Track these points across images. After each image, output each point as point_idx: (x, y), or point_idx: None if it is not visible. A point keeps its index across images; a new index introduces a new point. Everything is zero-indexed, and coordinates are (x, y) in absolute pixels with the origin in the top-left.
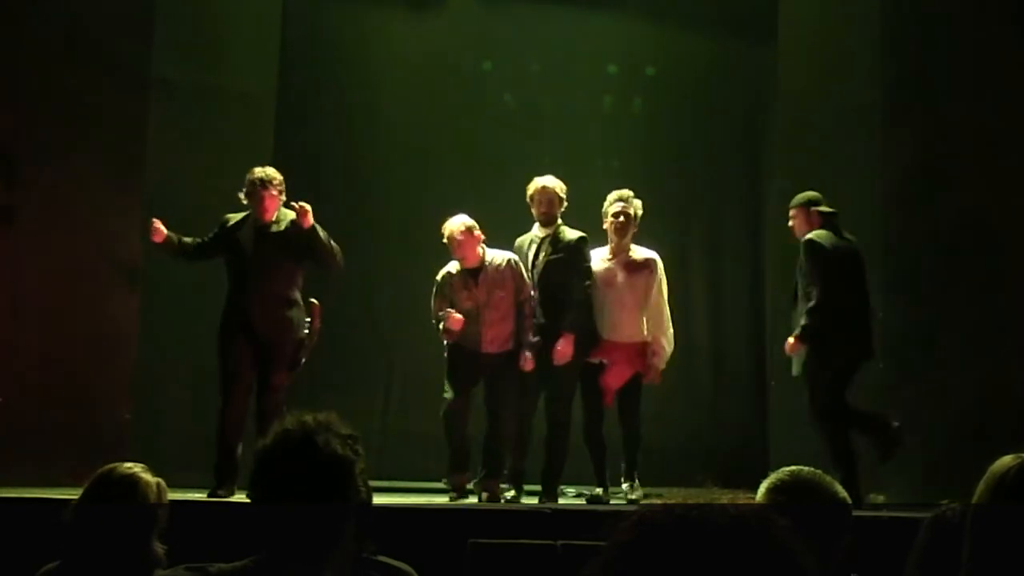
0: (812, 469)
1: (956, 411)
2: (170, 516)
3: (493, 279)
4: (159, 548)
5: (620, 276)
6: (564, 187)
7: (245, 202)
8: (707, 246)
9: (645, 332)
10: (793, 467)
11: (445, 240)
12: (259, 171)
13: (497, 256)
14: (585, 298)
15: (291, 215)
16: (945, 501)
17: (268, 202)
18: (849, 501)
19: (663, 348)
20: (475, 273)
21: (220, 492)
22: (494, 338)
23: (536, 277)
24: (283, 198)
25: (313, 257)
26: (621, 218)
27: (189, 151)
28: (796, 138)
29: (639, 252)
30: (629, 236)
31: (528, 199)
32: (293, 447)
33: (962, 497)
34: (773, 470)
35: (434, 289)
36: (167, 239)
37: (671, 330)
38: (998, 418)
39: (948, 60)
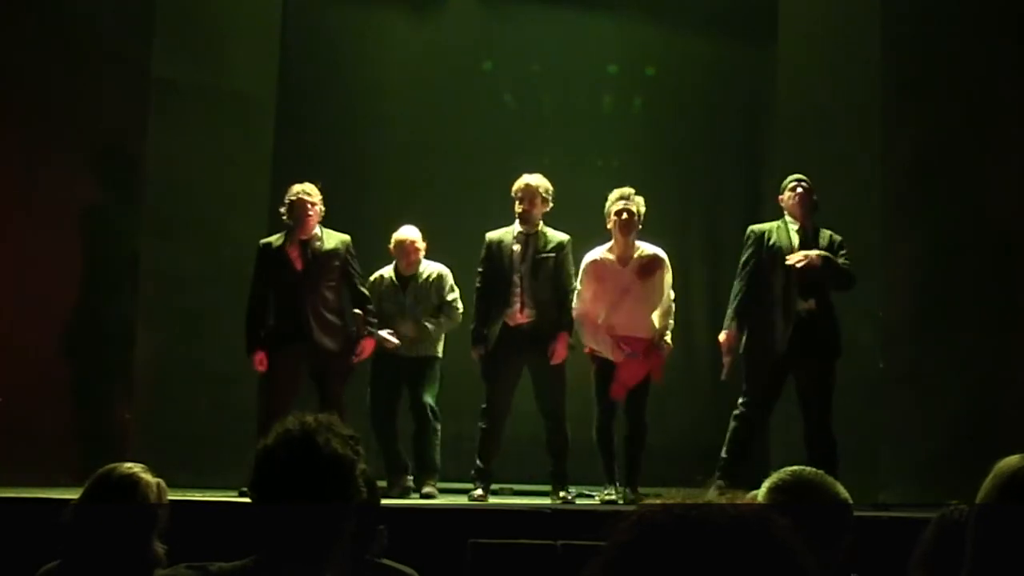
0: (814, 469)
1: (956, 411)
2: (170, 516)
3: (421, 288)
4: (159, 548)
5: (633, 278)
6: (550, 188)
7: (286, 219)
8: (707, 246)
9: (657, 326)
10: (795, 467)
11: (392, 246)
12: (298, 188)
13: (430, 267)
14: (569, 297)
15: (333, 233)
16: (954, 502)
17: (311, 218)
18: (851, 502)
19: (667, 344)
20: (406, 280)
21: None
22: (415, 341)
23: (524, 274)
24: (322, 210)
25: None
26: (624, 215)
27: (189, 151)
28: (796, 138)
29: (646, 249)
30: (634, 234)
31: (513, 194)
32: (294, 446)
33: (962, 497)
34: (773, 470)
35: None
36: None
37: (672, 321)
38: (998, 418)
39: (948, 60)
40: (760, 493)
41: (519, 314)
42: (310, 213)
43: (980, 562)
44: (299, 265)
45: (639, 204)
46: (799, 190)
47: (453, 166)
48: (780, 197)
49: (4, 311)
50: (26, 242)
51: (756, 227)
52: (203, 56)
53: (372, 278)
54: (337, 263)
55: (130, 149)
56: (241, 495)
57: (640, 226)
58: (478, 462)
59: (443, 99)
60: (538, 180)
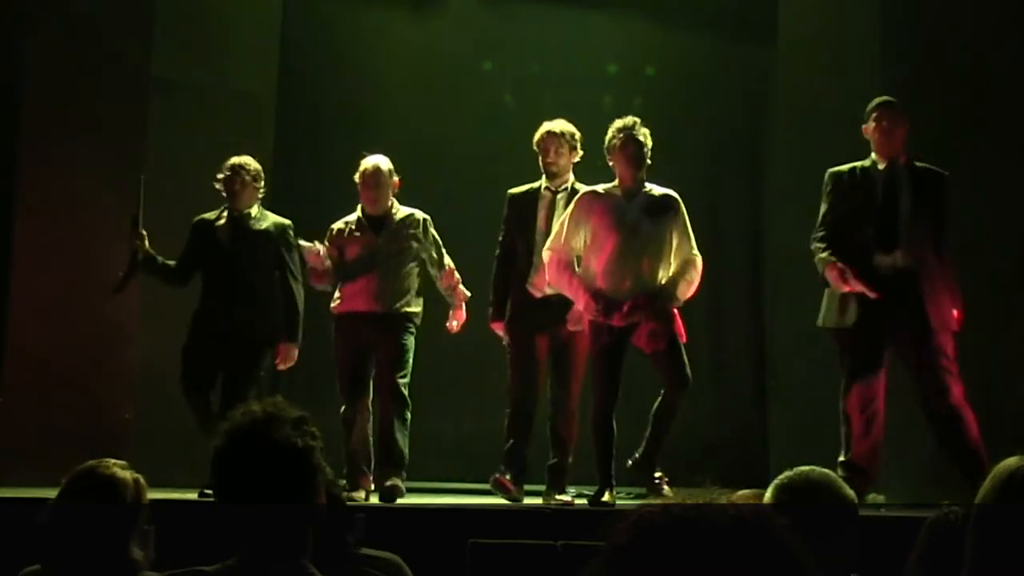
0: (823, 470)
1: None
2: (151, 515)
3: (398, 230)
4: (137, 551)
5: (643, 220)
6: (576, 133)
7: (224, 193)
8: (707, 246)
9: (665, 282)
10: (804, 467)
11: (359, 176)
12: (236, 159)
13: (412, 211)
14: None
15: (271, 215)
16: (946, 502)
17: (241, 190)
18: (856, 502)
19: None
20: (378, 221)
21: None
22: (387, 291)
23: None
24: (259, 186)
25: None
26: (631, 146)
27: (189, 151)
28: (796, 138)
29: (657, 190)
30: (643, 170)
31: (535, 147)
32: (248, 445)
33: (960, 497)
34: (773, 470)
35: (326, 235)
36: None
37: (692, 281)
38: (999, 418)
39: (948, 60)
40: (767, 494)
41: (545, 283)
42: (238, 187)
43: (980, 563)
44: (227, 247)
45: (645, 135)
46: (884, 122)
47: (453, 166)
48: (864, 127)
49: (3, 310)
50: (25, 241)
51: (835, 169)
52: (203, 56)
53: (335, 226)
54: (271, 247)
55: (130, 149)
56: (201, 496)
57: (650, 161)
58: (506, 455)
59: (443, 99)
60: (561, 125)
